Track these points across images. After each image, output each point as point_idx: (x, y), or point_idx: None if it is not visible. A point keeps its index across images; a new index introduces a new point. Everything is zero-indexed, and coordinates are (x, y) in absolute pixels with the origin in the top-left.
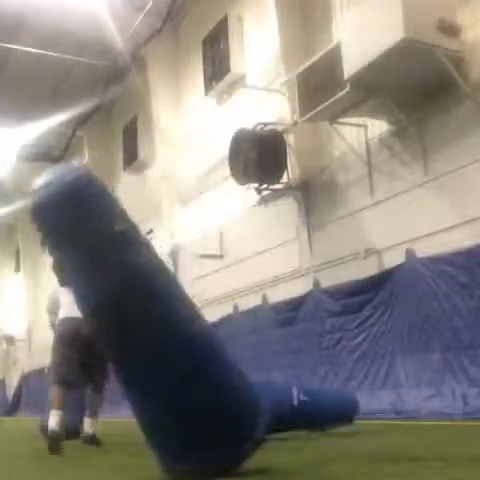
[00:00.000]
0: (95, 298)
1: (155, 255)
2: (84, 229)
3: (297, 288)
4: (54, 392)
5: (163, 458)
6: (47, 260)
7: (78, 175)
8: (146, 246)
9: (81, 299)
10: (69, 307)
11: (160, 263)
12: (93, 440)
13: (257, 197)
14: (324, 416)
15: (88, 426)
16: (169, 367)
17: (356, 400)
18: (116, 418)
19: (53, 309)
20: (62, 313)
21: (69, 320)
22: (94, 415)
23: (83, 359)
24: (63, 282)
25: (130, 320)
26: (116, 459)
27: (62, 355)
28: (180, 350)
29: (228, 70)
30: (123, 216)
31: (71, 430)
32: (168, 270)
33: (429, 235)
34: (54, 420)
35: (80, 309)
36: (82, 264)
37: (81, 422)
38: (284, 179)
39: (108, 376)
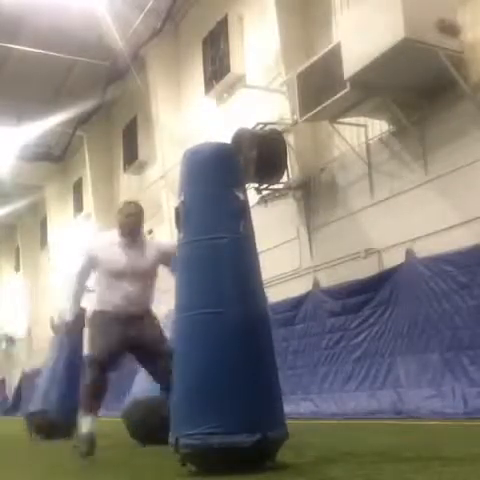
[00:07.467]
0: None
1: None
2: None
3: (297, 288)
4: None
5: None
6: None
7: None
8: None
9: None
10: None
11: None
12: None
13: (257, 197)
14: None
15: None
16: None
17: None
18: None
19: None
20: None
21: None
22: None
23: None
24: None
25: None
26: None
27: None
28: None
29: (228, 70)
30: None
31: None
32: None
33: (429, 235)
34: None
35: None
36: None
37: None
38: (284, 179)
39: None
